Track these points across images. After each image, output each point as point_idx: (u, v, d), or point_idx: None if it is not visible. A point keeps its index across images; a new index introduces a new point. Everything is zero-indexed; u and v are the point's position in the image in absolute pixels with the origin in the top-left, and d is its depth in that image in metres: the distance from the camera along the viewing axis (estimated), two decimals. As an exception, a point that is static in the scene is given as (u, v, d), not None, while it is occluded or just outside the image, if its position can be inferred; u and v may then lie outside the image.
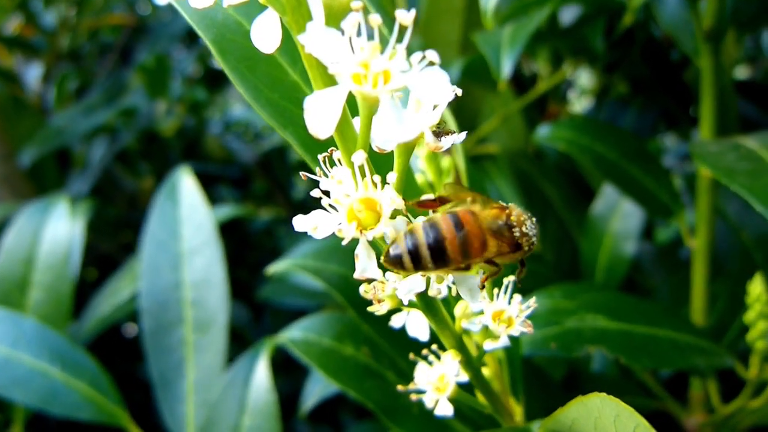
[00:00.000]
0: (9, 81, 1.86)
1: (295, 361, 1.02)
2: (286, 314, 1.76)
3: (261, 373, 0.87)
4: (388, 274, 0.39)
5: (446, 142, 0.35)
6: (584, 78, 1.84)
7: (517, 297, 0.46)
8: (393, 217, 0.34)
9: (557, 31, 1.10)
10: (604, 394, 0.39)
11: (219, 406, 0.88)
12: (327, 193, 0.34)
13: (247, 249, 2.19)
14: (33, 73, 1.95)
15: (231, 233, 2.13)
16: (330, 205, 0.34)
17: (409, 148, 0.35)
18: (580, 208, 1.28)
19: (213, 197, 2.03)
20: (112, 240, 1.97)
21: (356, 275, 0.34)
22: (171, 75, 1.71)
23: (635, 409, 1.23)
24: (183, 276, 0.97)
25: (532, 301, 0.46)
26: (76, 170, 1.85)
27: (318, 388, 0.97)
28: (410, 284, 0.36)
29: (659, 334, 0.77)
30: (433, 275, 0.35)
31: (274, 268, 0.81)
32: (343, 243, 0.33)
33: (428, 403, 0.47)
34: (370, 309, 0.40)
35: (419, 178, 0.57)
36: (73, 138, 1.62)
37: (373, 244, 0.35)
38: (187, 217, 0.99)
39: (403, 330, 0.56)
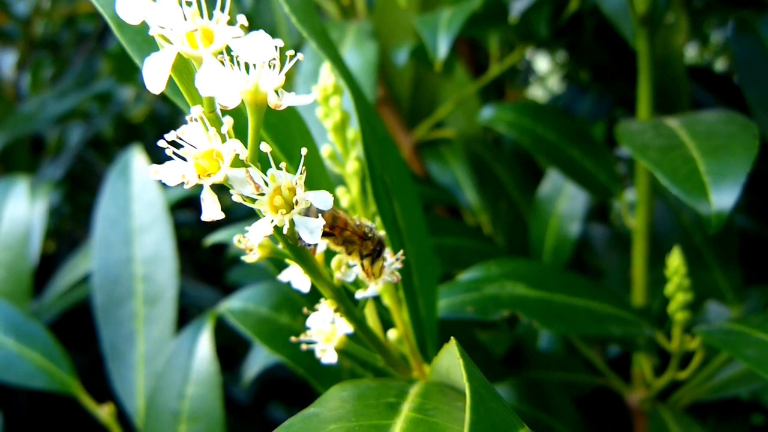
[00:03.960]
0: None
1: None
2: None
3: (204, 344, 0.91)
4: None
5: (287, 101, 0.38)
6: (542, 63, 1.87)
7: (387, 250, 0.49)
8: (237, 167, 0.38)
9: (504, 15, 1.13)
10: (454, 339, 0.42)
11: (165, 375, 0.91)
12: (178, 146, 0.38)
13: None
14: (7, 61, 1.97)
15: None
16: (177, 155, 0.38)
17: (257, 106, 0.38)
18: (531, 191, 1.32)
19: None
20: (86, 227, 1.99)
21: (203, 218, 0.38)
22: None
23: (580, 384, 1.25)
24: (134, 252, 1.00)
25: (400, 254, 0.50)
26: (49, 156, 1.87)
27: (260, 358, 1.01)
28: (259, 228, 0.39)
29: (577, 303, 0.80)
30: (277, 216, 0.39)
31: (213, 238, 0.84)
32: (186, 187, 0.37)
33: (318, 352, 0.51)
34: (243, 258, 0.44)
35: (327, 150, 0.60)
36: (44, 123, 1.65)
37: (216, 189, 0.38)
38: (138, 195, 1.02)
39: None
